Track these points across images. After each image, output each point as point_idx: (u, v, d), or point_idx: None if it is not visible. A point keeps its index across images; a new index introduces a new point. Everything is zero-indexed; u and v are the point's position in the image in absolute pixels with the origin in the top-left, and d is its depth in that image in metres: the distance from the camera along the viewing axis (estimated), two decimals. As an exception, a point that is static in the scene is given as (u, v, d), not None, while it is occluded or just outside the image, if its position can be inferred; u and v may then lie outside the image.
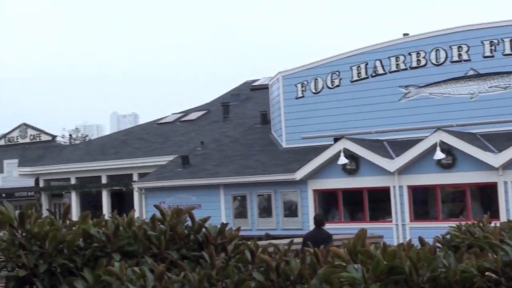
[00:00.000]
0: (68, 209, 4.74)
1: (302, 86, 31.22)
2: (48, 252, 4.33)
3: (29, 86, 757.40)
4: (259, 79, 45.22)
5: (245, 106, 41.44)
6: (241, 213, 29.92)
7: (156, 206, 4.98)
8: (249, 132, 35.79)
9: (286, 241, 7.10)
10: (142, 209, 31.54)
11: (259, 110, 37.19)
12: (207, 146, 35.25)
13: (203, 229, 4.79)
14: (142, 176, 36.22)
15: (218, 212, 29.26)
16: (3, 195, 45.57)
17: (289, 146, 31.26)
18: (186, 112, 45.08)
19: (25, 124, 60.63)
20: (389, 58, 29.42)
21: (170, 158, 35.44)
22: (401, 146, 26.92)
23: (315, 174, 28.09)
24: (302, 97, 31.25)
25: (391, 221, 26.68)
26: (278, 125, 32.53)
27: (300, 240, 14.23)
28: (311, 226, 27.70)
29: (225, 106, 40.93)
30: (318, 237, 14.27)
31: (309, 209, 28.05)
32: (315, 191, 28.31)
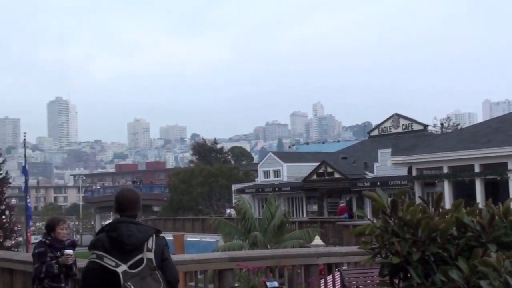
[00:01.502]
0: (440, 197, 4.65)
1: None
2: (421, 240, 4.28)
3: (403, 75, 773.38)
4: None
5: None
6: None
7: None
8: None
9: None
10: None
11: None
12: None
13: None
14: (517, 164, 34.93)
15: None
16: (378, 183, 47.15)
17: None
18: None
19: (397, 115, 62.23)
20: None
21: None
22: None
23: None
24: None
25: None
26: None
27: None
28: None
29: None
30: None
31: None
32: None
